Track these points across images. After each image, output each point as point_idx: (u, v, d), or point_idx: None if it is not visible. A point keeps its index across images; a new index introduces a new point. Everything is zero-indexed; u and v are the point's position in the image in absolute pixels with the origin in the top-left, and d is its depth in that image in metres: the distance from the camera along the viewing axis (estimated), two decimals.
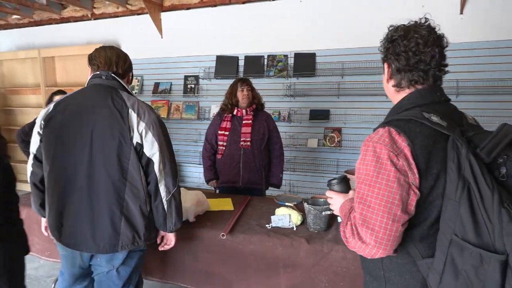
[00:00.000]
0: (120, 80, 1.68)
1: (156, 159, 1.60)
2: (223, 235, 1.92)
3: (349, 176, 2.21)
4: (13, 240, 1.49)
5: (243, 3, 4.20)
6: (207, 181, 2.99)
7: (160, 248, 1.84)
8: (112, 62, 1.68)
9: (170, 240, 1.81)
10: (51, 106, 1.65)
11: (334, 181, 1.33)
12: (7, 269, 1.42)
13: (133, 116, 1.57)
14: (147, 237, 1.68)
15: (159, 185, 1.62)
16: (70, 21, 5.16)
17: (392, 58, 1.16)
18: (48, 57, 5.12)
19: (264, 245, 1.90)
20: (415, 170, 1.01)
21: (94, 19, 4.99)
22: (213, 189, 3.12)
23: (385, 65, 1.21)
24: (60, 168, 1.60)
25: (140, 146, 1.57)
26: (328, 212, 1.91)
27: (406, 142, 1.03)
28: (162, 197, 1.63)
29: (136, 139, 1.56)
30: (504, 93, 3.31)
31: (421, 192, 1.02)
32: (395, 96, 1.20)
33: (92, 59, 1.71)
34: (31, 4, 4.73)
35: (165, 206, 1.65)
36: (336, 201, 1.30)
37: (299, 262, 1.83)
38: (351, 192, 1.29)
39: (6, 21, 5.57)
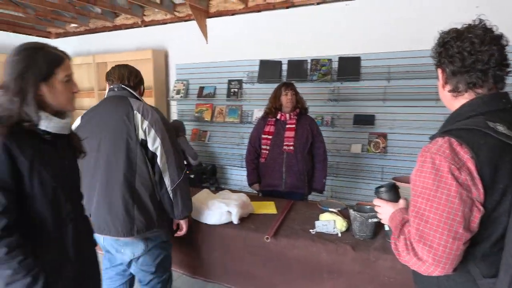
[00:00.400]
0: (130, 90, 1.95)
1: (158, 152, 1.83)
2: (267, 238, 1.93)
3: (398, 183, 2.14)
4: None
5: (287, 7, 4.22)
6: (250, 184, 3.03)
7: (175, 235, 2.05)
8: (124, 77, 1.98)
9: (182, 226, 2.02)
10: (79, 119, 1.98)
11: (383, 189, 1.27)
12: None
13: (138, 116, 1.82)
14: (160, 223, 1.89)
15: (163, 176, 1.85)
16: (121, 29, 5.44)
17: (445, 61, 1.09)
18: (101, 62, 5.43)
19: (308, 250, 1.89)
20: (480, 185, 0.94)
21: (144, 26, 5.23)
22: (255, 192, 3.15)
23: (439, 71, 1.15)
24: (86, 167, 1.82)
25: (145, 141, 1.82)
26: (375, 220, 1.87)
27: (470, 154, 0.95)
28: (167, 187, 1.86)
29: (141, 135, 1.81)
30: None
31: (485, 209, 0.95)
32: (453, 102, 1.13)
33: (109, 75, 2.03)
34: (87, 13, 5.05)
35: (171, 195, 1.88)
36: (385, 210, 1.25)
37: (344, 269, 1.80)
38: (401, 201, 1.25)
39: (65, 29, 5.97)
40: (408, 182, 2.14)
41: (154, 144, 1.82)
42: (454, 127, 1.03)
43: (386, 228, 1.83)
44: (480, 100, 1.05)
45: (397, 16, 3.68)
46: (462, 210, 0.94)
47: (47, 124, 1.21)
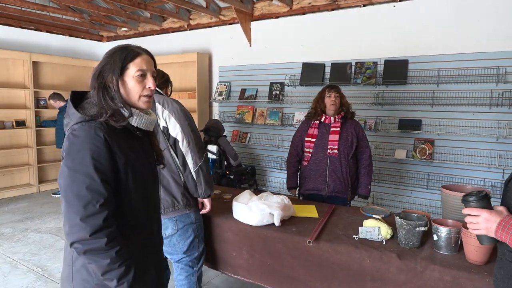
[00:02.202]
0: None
1: (180, 137, 1.98)
2: (309, 241, 1.92)
3: (447, 192, 2.06)
4: None
5: (332, 10, 4.17)
6: (289, 189, 3.01)
7: (201, 212, 2.17)
8: None
9: (205, 204, 2.14)
10: None
11: (473, 198, 1.16)
12: None
13: (159, 107, 2.00)
14: (186, 203, 2.05)
15: (186, 159, 2.00)
16: (168, 32, 5.64)
17: None
18: None
19: (351, 256, 1.85)
20: None
21: (190, 29, 5.39)
22: (295, 196, 3.13)
23: None
24: None
25: (166, 128, 1.98)
26: (423, 229, 1.80)
27: None
28: (191, 168, 2.01)
29: (162, 123, 1.98)
30: None
31: None
32: None
33: None
34: (137, 18, 5.29)
35: (194, 176, 2.02)
36: (486, 218, 1.11)
37: (389, 277, 1.75)
38: (500, 207, 1.14)
39: (116, 33, 6.29)
40: (457, 191, 2.06)
41: (175, 130, 1.98)
42: None
43: (436, 238, 1.76)
44: None
45: (446, 18, 3.54)
46: None
47: (139, 120, 1.25)
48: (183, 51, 5.46)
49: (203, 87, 5.19)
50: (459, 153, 3.54)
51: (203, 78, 5.16)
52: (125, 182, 1.21)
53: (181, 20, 5.27)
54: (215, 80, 5.24)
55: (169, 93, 2.32)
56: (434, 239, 1.78)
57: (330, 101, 2.75)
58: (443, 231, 1.74)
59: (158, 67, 2.20)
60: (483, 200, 1.16)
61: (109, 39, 6.45)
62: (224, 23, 5.03)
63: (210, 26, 5.19)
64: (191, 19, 5.29)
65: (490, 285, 1.47)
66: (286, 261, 2.05)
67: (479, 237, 1.18)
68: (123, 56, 1.23)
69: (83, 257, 1.12)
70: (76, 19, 5.52)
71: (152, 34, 5.85)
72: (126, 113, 1.22)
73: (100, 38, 6.51)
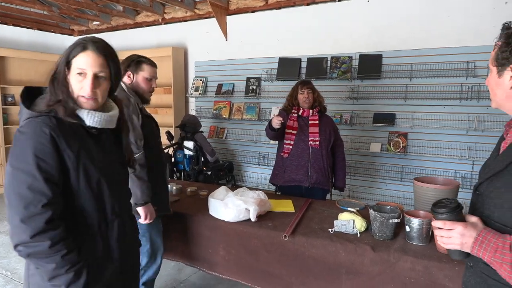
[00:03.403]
0: None
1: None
2: (285, 236, 1.92)
3: (419, 184, 2.10)
4: None
5: (308, 4, 4.18)
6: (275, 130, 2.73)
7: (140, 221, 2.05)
8: None
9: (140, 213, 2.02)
10: None
11: (443, 210, 1.06)
12: None
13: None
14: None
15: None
16: (142, 26, 5.51)
17: None
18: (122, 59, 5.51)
19: (326, 250, 1.87)
20: None
21: (164, 23, 5.28)
22: (273, 190, 3.13)
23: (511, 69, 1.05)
24: None
25: None
26: (396, 220, 1.83)
27: None
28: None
29: None
30: None
31: None
32: None
33: None
34: (109, 11, 5.14)
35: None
36: (459, 232, 1.04)
37: (363, 269, 1.77)
38: (473, 218, 1.06)
39: (87, 27, 6.09)
40: (429, 183, 2.10)
41: None
42: None
43: (408, 229, 1.79)
44: None
45: (419, 13, 3.60)
46: None
47: (91, 118, 1.18)
48: (158, 46, 5.35)
49: (179, 82, 5.11)
50: (431, 146, 3.63)
51: (178, 73, 5.08)
52: (75, 183, 1.14)
53: (155, 14, 5.15)
54: (191, 75, 5.17)
55: (131, 81, 2.08)
56: (407, 230, 1.82)
57: (302, 97, 2.78)
58: (415, 223, 1.77)
59: None
60: (456, 212, 1.06)
61: (80, 33, 6.24)
62: (199, 17, 4.95)
63: (185, 20, 5.10)
64: (165, 13, 5.18)
65: (459, 274, 1.51)
66: (263, 256, 2.05)
67: (450, 251, 1.09)
68: (69, 50, 1.17)
69: (30, 260, 1.07)
70: (45, 12, 5.31)
71: (126, 28, 5.70)
72: (71, 105, 1.15)
73: (71, 32, 6.30)
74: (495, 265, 0.98)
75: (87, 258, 1.15)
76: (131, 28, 5.64)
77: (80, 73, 1.16)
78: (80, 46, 1.17)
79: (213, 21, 4.70)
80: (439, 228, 1.07)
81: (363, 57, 3.87)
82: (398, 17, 3.71)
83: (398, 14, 3.71)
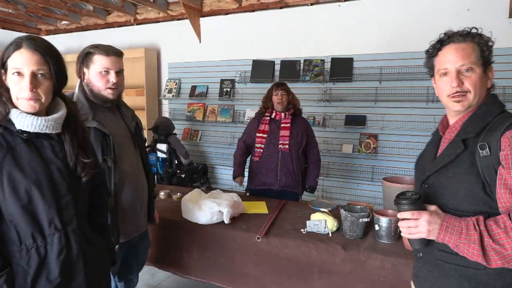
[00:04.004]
0: None
1: None
2: (258, 237, 1.94)
3: (388, 184, 2.17)
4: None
5: (281, 8, 4.23)
6: (235, 177, 3.01)
7: None
8: None
9: None
10: None
11: (406, 201, 1.12)
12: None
13: None
14: None
15: None
16: (114, 27, 5.40)
17: (490, 61, 1.18)
18: None
19: (299, 250, 1.90)
20: None
21: (137, 24, 5.20)
22: (242, 190, 3.15)
23: (491, 68, 1.19)
24: None
25: None
26: (365, 220, 1.88)
27: None
28: None
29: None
30: None
31: None
32: (482, 97, 1.18)
33: None
34: (79, 10, 5.00)
35: None
36: (426, 220, 1.09)
37: (335, 268, 1.81)
38: (432, 207, 1.13)
39: (56, 27, 5.91)
40: (397, 182, 2.17)
41: None
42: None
43: (377, 228, 1.85)
44: (495, 100, 1.19)
45: (388, 18, 3.72)
46: None
47: (21, 121, 1.09)
48: (130, 47, 5.25)
49: (152, 84, 5.04)
50: (401, 147, 3.75)
51: (151, 75, 5.01)
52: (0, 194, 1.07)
53: (127, 15, 5.06)
54: (164, 76, 5.11)
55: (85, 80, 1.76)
56: (376, 229, 1.87)
57: (277, 99, 2.82)
58: (383, 221, 1.83)
59: None
60: (419, 202, 1.11)
61: (48, 32, 6.04)
62: (172, 18, 4.91)
63: (158, 21, 5.04)
64: (137, 13, 5.10)
65: None
66: (237, 258, 2.06)
67: (413, 241, 1.14)
68: (4, 51, 1.10)
69: None
70: (10, 11, 5.10)
71: (96, 28, 5.56)
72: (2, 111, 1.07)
73: (38, 32, 6.08)
74: (462, 247, 1.05)
75: (11, 272, 1.07)
76: (102, 28, 5.52)
77: (17, 73, 1.08)
78: (14, 45, 1.10)
79: (186, 23, 4.67)
80: (406, 218, 1.12)
81: (335, 60, 3.96)
82: (368, 22, 3.81)
83: (368, 19, 3.81)
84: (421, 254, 1.23)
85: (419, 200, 1.12)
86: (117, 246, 1.68)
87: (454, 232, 1.06)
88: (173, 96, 4.90)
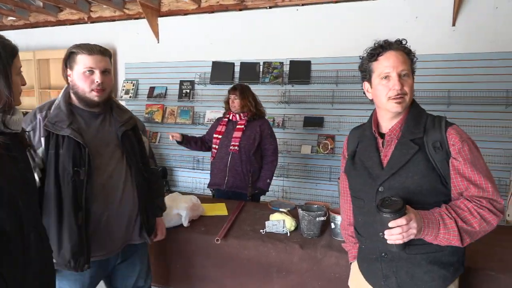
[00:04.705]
0: None
1: None
2: (217, 240, 1.94)
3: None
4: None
5: (240, 10, 4.24)
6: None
7: None
8: None
9: None
10: None
11: (395, 209, 1.11)
12: None
13: None
14: None
15: None
16: (66, 24, 5.16)
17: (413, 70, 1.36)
18: (43, 59, 5.11)
19: (258, 250, 1.92)
20: None
21: (91, 22, 5.00)
22: (207, 194, 3.18)
23: (413, 76, 1.35)
24: None
25: None
26: (322, 218, 1.94)
27: None
28: None
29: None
30: (494, 104, 3.39)
31: None
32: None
33: None
34: (27, 6, 4.73)
35: None
36: (415, 221, 1.13)
37: (293, 267, 1.85)
38: (409, 208, 1.16)
39: (2, 23, 5.55)
40: None
41: None
42: (444, 118, 1.29)
43: (333, 226, 1.91)
44: (417, 102, 1.37)
45: (344, 23, 3.85)
46: None
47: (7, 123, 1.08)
48: None
49: None
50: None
51: None
52: None
53: (81, 12, 4.85)
54: (121, 77, 4.96)
55: (69, 82, 1.64)
56: (332, 227, 1.93)
57: (231, 102, 2.91)
58: (339, 219, 1.89)
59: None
60: (404, 208, 1.12)
61: None
62: (129, 17, 4.77)
63: (114, 20, 4.88)
64: (92, 11, 4.90)
65: None
66: (197, 261, 2.04)
67: (398, 246, 1.13)
68: (9, 49, 1.10)
69: None
70: None
71: (47, 26, 5.28)
72: None
73: None
74: (441, 237, 1.15)
75: (8, 278, 1.05)
76: (53, 25, 5.24)
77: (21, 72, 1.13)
78: (16, 48, 1.12)
79: (143, 22, 4.56)
80: (400, 225, 1.10)
81: (293, 63, 4.03)
82: (324, 26, 3.92)
83: (324, 23, 3.92)
84: (384, 254, 1.27)
85: (404, 205, 1.12)
86: (86, 266, 1.52)
87: (434, 225, 1.15)
88: (130, 97, 4.76)
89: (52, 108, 1.56)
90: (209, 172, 3.10)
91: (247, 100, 2.91)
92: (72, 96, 1.61)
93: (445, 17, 3.52)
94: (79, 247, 1.49)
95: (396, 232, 1.11)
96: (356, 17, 3.80)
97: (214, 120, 3.31)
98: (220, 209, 2.41)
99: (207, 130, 3.26)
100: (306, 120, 4.02)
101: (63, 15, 5.10)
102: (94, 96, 1.57)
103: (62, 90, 1.64)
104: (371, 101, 1.40)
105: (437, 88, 3.46)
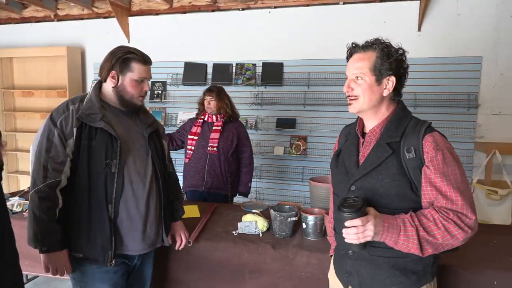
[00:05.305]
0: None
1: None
2: (189, 242, 1.92)
3: (314, 183, 2.28)
4: None
5: (213, 11, 4.23)
6: None
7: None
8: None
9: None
10: None
11: (353, 209, 1.14)
12: None
13: None
14: None
15: None
16: (31, 22, 4.96)
17: (398, 72, 1.28)
18: (5, 57, 4.89)
19: (230, 252, 1.91)
20: None
21: (58, 20, 4.84)
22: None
23: (391, 78, 1.28)
24: None
25: None
26: (294, 219, 1.96)
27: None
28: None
29: None
30: (456, 106, 3.55)
31: None
32: (387, 105, 1.32)
33: None
34: None
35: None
36: (373, 224, 1.15)
37: (265, 268, 1.86)
38: (371, 209, 1.19)
39: None
40: (323, 182, 2.29)
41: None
42: (426, 125, 1.26)
43: (304, 226, 1.93)
44: (404, 105, 1.35)
45: (315, 26, 3.92)
46: None
47: None
48: (50, 44, 4.86)
49: (76, 85, 4.71)
50: (328, 148, 3.96)
51: (75, 75, 4.69)
52: None
53: (46, 9, 4.68)
54: (90, 77, 4.82)
55: (115, 85, 1.61)
56: (303, 227, 1.96)
57: (206, 103, 2.89)
58: (310, 219, 1.92)
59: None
60: (363, 208, 1.14)
61: None
62: (98, 16, 4.65)
63: (82, 18, 4.74)
64: (58, 8, 4.74)
65: None
66: (169, 265, 2.01)
67: (358, 245, 1.17)
68: None
69: None
70: None
71: (10, 23, 5.06)
72: None
73: None
74: (401, 243, 1.16)
75: None
76: (17, 22, 5.03)
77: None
78: None
79: (113, 21, 4.46)
80: (356, 226, 1.13)
81: (266, 65, 4.06)
82: (296, 28, 3.98)
83: (296, 26, 3.98)
84: (351, 252, 1.30)
85: (364, 206, 1.16)
86: (113, 261, 1.55)
87: (394, 230, 1.15)
88: None
89: (85, 101, 1.58)
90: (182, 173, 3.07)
91: (223, 102, 2.92)
92: (109, 94, 1.64)
93: (411, 23, 3.66)
94: (109, 241, 1.53)
95: (352, 232, 1.14)
96: (327, 21, 3.88)
97: None
98: (192, 212, 2.39)
99: (178, 129, 3.21)
100: (278, 122, 4.05)
101: (27, 12, 4.90)
102: (139, 101, 1.66)
103: (92, 86, 1.71)
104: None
105: (404, 90, 3.58)
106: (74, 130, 1.51)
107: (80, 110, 1.54)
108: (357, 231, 1.14)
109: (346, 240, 1.17)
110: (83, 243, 1.53)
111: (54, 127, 1.51)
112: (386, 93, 1.28)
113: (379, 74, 1.27)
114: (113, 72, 1.60)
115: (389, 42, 1.30)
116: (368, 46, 1.30)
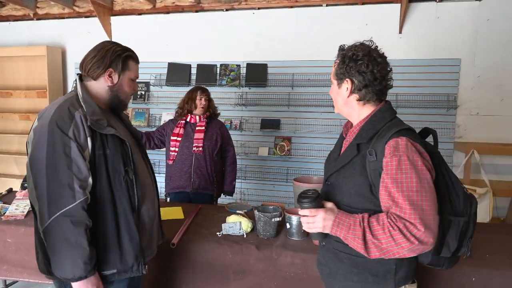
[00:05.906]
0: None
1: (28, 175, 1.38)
2: (173, 244, 1.91)
3: (297, 184, 2.29)
4: None
5: (196, 11, 4.22)
6: None
7: None
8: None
9: None
10: None
11: (307, 200, 1.25)
12: None
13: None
14: (46, 269, 1.45)
15: (35, 210, 1.38)
16: (9, 20, 4.84)
17: (355, 74, 1.26)
18: None
19: (214, 253, 1.91)
20: (433, 171, 1.20)
21: (37, 19, 4.73)
22: (162, 198, 3.10)
23: (347, 81, 1.29)
24: None
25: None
26: (277, 219, 1.97)
27: (423, 148, 1.21)
28: (39, 228, 1.35)
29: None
30: (436, 107, 3.63)
31: None
32: (358, 108, 1.32)
33: None
34: None
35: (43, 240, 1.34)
36: (322, 217, 1.22)
37: (249, 268, 1.86)
38: (329, 204, 1.27)
39: None
40: (307, 182, 2.32)
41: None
42: (397, 128, 1.21)
43: (288, 226, 1.95)
44: (388, 107, 1.31)
45: (299, 28, 3.95)
46: (434, 190, 1.17)
47: None
48: (29, 44, 4.76)
49: (56, 85, 4.62)
50: (312, 149, 4.00)
51: (55, 75, 4.59)
52: None
53: (26, 8, 4.58)
54: (71, 77, 4.74)
55: (113, 84, 1.51)
56: (287, 227, 1.97)
57: (200, 103, 2.89)
58: (293, 219, 1.93)
59: None
60: (317, 200, 1.25)
61: None
62: (79, 15, 4.57)
63: (63, 18, 4.65)
64: (38, 7, 4.64)
65: None
66: (153, 267, 1.99)
67: (313, 234, 1.30)
68: None
69: None
70: None
71: None
72: None
73: None
74: (349, 240, 1.20)
75: None
76: None
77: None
78: None
79: (95, 21, 4.39)
80: (305, 216, 1.26)
81: (250, 66, 4.07)
82: (280, 30, 4.00)
83: (279, 27, 4.00)
84: (324, 243, 1.38)
85: (317, 198, 1.26)
86: (146, 266, 1.51)
87: (344, 227, 1.20)
88: None
89: (83, 105, 1.42)
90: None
91: (212, 102, 3.01)
92: (97, 93, 1.51)
93: (393, 25, 3.73)
94: (139, 248, 1.47)
95: (304, 220, 1.28)
96: (310, 22, 3.91)
97: None
98: (176, 213, 2.38)
99: (159, 127, 3.15)
100: (263, 122, 4.06)
101: (5, 10, 4.78)
102: (129, 100, 1.64)
103: (75, 84, 1.57)
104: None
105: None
106: (89, 139, 1.36)
107: (87, 116, 1.38)
108: (305, 221, 1.26)
109: (303, 228, 1.31)
110: (115, 257, 1.42)
111: (69, 139, 1.32)
112: (347, 95, 1.32)
113: (338, 79, 1.33)
114: (111, 70, 1.48)
115: (361, 46, 1.31)
116: (338, 52, 1.36)
